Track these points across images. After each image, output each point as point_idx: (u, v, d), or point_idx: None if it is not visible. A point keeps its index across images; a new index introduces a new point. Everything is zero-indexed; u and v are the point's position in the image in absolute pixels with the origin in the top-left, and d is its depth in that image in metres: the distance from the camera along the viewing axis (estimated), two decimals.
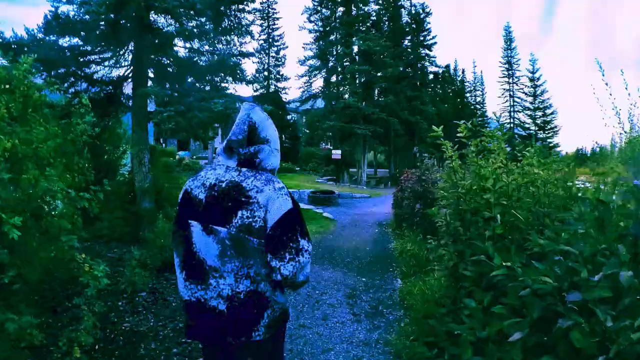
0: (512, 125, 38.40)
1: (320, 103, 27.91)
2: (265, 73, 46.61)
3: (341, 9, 25.94)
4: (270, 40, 46.29)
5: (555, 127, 25.24)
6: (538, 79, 27.07)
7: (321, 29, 27.21)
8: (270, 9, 46.12)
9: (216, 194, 1.37)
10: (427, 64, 33.82)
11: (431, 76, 35.18)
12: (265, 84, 46.25)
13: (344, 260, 6.54)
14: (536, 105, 25.14)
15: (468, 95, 47.22)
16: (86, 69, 6.22)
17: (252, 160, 1.43)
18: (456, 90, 47.58)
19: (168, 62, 6.56)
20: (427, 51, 33.80)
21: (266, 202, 1.32)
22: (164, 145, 40.02)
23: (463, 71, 49.02)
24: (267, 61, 46.64)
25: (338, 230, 9.63)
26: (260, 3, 45.90)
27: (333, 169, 23.88)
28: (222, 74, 6.78)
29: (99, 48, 5.98)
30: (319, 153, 30.25)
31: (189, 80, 6.68)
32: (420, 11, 32.88)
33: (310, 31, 28.54)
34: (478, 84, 44.83)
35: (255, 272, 1.35)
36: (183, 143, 42.06)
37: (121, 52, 6.37)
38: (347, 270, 5.94)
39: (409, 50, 31.59)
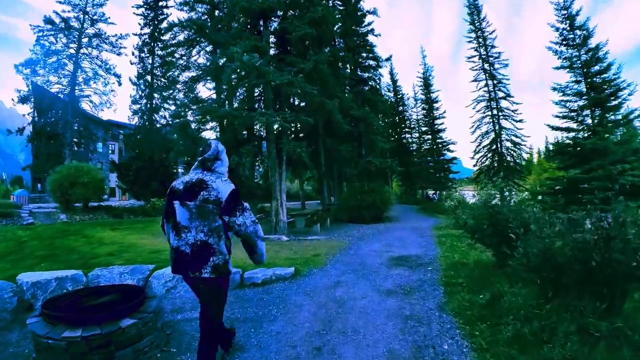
0: (495, 115, 30.13)
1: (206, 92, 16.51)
2: (148, 78, 33.77)
3: None
4: (156, 34, 33.35)
5: (625, 86, 14.18)
6: (577, 14, 16.19)
7: None
8: None
9: (189, 185, 2.63)
10: (363, 52, 24.22)
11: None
12: (148, 92, 33.25)
13: None
14: (586, 58, 15.70)
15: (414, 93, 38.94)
16: None
17: (212, 168, 2.76)
18: (393, 101, 39.39)
19: None
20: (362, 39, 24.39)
21: (217, 186, 2.59)
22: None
23: (396, 82, 41.41)
24: (150, 62, 34.02)
25: None
26: None
27: None
28: None
29: None
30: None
31: None
32: None
33: None
34: (429, 76, 36.52)
35: (208, 229, 2.55)
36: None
37: None
38: None
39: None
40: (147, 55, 33.75)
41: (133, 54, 33.19)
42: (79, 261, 7.86)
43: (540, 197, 14.61)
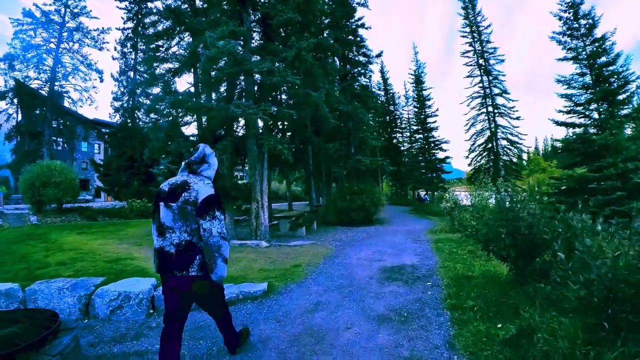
0: (491, 112, 29.15)
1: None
2: (131, 74, 32.43)
3: None
4: (140, 28, 32.03)
5: (634, 78, 13.19)
6: (581, 2, 15.16)
7: None
8: None
9: (173, 187, 2.67)
10: (353, 47, 23.13)
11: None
12: (130, 89, 31.79)
13: None
14: (591, 50, 14.67)
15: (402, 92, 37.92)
16: None
17: (197, 171, 2.82)
18: (384, 100, 38.43)
19: None
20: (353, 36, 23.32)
21: (198, 188, 2.62)
22: None
23: (387, 80, 40.48)
24: (133, 58, 32.64)
25: None
26: None
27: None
28: None
29: None
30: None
31: None
32: None
33: None
34: (421, 73, 35.45)
35: (190, 229, 2.56)
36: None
37: None
38: None
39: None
40: (130, 50, 32.44)
41: (115, 49, 31.96)
42: (24, 271, 6.78)
43: (538, 197, 13.68)
